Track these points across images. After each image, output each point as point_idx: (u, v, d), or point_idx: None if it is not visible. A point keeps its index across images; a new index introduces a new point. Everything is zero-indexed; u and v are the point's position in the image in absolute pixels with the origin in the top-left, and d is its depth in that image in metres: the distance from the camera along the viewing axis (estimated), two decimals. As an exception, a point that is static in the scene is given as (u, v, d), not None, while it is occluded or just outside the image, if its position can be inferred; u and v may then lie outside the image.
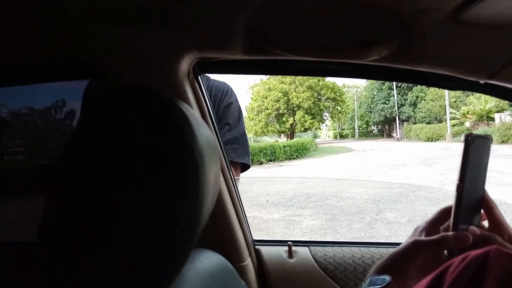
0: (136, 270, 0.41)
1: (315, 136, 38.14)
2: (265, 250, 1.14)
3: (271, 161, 16.92)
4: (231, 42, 0.80)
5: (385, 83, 30.47)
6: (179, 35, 0.81)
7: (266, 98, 27.72)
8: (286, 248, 1.14)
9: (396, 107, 31.15)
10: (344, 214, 5.96)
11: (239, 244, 1.05)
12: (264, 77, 29.04)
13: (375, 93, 33.47)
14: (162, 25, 0.81)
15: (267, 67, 0.94)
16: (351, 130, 42.36)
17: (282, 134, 29.99)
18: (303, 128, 28.00)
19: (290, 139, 25.83)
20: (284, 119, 27.56)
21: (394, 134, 31.03)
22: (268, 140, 27.73)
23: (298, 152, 18.43)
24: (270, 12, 0.74)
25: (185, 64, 0.86)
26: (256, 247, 1.14)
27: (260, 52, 0.84)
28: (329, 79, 27.90)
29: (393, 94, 31.41)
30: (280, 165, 15.84)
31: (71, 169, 0.43)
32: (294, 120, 27.41)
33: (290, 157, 17.82)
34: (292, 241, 1.14)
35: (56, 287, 0.42)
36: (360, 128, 40.11)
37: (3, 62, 0.89)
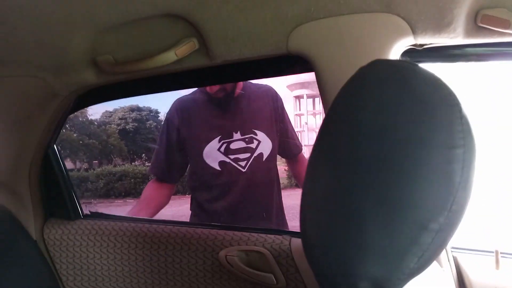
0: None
1: None
2: (463, 257, 1.04)
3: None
4: (452, 22, 0.76)
5: None
6: (395, 18, 0.80)
7: None
8: (490, 258, 1.02)
9: None
10: None
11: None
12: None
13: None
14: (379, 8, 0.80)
15: (485, 52, 0.86)
16: None
17: None
18: None
19: None
20: None
21: None
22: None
23: None
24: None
25: (395, 52, 0.84)
26: (454, 253, 1.05)
27: (483, 33, 0.77)
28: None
29: None
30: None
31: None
32: None
33: None
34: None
35: None
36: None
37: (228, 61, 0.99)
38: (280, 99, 1.65)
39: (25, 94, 1.07)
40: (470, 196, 0.42)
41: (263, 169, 1.56)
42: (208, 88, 1.50)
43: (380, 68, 0.48)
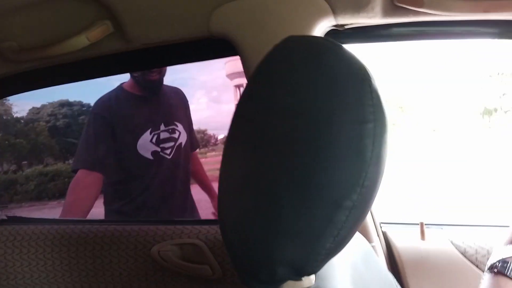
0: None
1: None
2: (392, 231, 1.09)
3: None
4: (370, 1, 0.76)
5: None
6: None
7: None
8: (415, 230, 1.07)
9: None
10: None
11: (366, 224, 1.01)
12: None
13: None
14: None
15: (407, 33, 0.88)
16: None
17: None
18: None
19: None
20: None
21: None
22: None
23: None
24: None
25: (317, 33, 0.84)
26: (383, 229, 1.09)
27: (400, 13, 0.79)
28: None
29: None
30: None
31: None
32: None
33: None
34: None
35: None
36: None
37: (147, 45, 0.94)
38: (187, 100, 1.85)
39: None
40: (382, 171, 0.41)
41: (183, 157, 1.70)
42: (129, 88, 1.62)
43: (293, 44, 0.46)
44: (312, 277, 0.46)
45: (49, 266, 1.11)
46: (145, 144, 1.59)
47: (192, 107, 1.85)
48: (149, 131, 1.60)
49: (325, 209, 0.38)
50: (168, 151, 1.64)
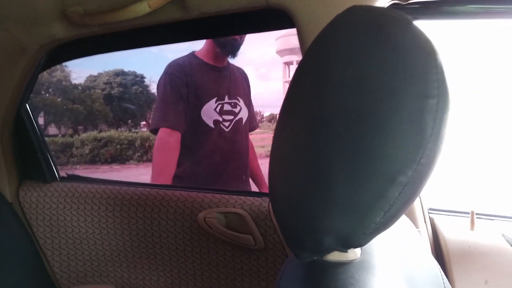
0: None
1: None
2: (439, 218, 1.06)
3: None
4: None
5: None
6: None
7: None
8: (465, 219, 1.03)
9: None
10: None
11: (413, 209, 0.99)
12: None
13: None
14: None
15: (473, 10, 0.83)
16: None
17: None
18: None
19: None
20: None
21: None
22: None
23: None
24: None
25: (379, 5, 0.81)
26: (430, 215, 1.06)
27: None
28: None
29: None
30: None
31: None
32: None
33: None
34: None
35: None
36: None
37: (205, 14, 0.95)
38: (249, 80, 1.89)
39: None
40: (441, 149, 0.40)
41: (241, 133, 1.75)
42: (201, 56, 1.69)
43: (357, 15, 0.45)
44: (358, 250, 0.46)
45: (103, 224, 1.19)
46: (209, 111, 1.65)
47: (239, 83, 1.94)
48: (214, 99, 1.66)
49: (378, 183, 0.38)
50: (227, 124, 1.69)
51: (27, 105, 1.20)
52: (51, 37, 1.00)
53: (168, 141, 1.61)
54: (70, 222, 1.21)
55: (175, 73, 1.65)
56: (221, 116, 1.68)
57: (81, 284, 1.24)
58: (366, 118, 0.38)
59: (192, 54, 1.72)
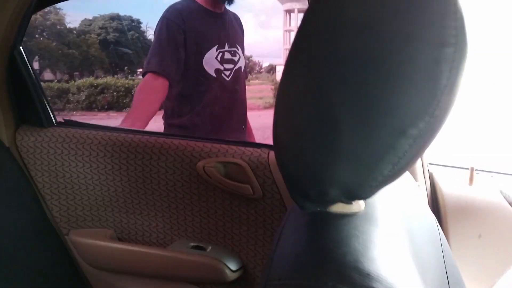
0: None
1: None
2: (439, 173, 1.06)
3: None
4: None
5: None
6: None
7: None
8: (464, 174, 1.04)
9: None
10: None
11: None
12: None
13: None
14: None
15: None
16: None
17: None
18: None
19: None
20: None
21: None
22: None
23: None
24: None
25: None
26: (430, 169, 1.07)
27: None
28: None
29: None
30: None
31: None
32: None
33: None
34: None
35: None
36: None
37: None
38: (243, 27, 1.83)
39: None
40: (454, 101, 0.38)
41: (240, 83, 1.72)
42: (204, 3, 1.62)
43: None
44: (362, 202, 0.46)
45: (102, 170, 1.19)
46: (211, 60, 1.60)
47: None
48: (215, 47, 1.61)
49: (388, 135, 0.37)
50: (227, 73, 1.66)
51: (21, 47, 1.16)
52: None
53: (151, 84, 1.57)
54: (68, 167, 1.21)
55: (172, 18, 1.58)
56: (222, 65, 1.64)
57: (81, 228, 1.26)
58: (378, 65, 0.36)
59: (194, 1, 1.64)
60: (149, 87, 1.58)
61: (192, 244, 1.15)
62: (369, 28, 0.37)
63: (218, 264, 1.08)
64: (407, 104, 0.36)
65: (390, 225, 0.47)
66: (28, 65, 1.19)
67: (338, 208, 0.44)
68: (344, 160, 0.38)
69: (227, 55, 1.66)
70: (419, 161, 1.01)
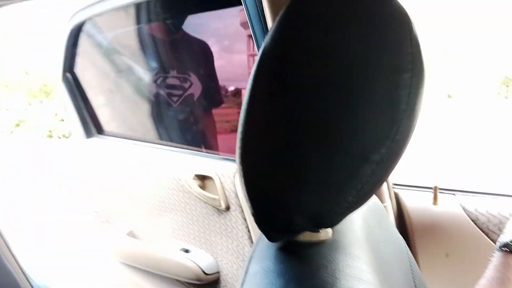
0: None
1: None
2: (404, 193, 1.07)
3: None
4: None
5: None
6: None
7: None
8: (428, 194, 1.05)
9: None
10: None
11: (380, 184, 1.00)
12: None
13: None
14: None
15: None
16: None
17: None
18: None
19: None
20: None
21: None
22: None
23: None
24: None
25: None
26: (395, 190, 1.08)
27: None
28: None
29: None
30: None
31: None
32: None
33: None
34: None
35: None
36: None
37: None
38: (212, 55, 1.83)
39: None
40: (415, 125, 0.38)
41: (192, 107, 1.75)
42: (153, 31, 1.66)
43: None
44: (329, 230, 0.45)
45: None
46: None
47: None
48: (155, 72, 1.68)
49: (350, 161, 0.36)
50: (175, 98, 1.69)
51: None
52: None
53: None
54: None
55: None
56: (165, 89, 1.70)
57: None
58: (337, 91, 0.36)
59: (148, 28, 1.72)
60: None
61: (181, 247, 1.31)
62: (327, 53, 0.37)
63: (195, 266, 1.22)
64: (368, 130, 0.36)
65: (358, 251, 0.46)
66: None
67: (306, 237, 0.43)
68: (309, 187, 0.37)
69: (173, 81, 1.71)
70: (384, 182, 1.02)
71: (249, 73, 0.48)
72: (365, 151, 0.36)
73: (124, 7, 1.44)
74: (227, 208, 1.12)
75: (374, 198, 0.75)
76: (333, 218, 0.40)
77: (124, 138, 1.52)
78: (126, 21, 1.54)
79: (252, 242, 1.22)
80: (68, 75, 1.57)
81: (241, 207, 1.09)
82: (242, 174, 0.42)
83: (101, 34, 1.55)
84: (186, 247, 1.30)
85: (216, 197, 1.13)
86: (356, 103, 0.36)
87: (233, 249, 1.17)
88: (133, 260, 1.42)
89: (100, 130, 1.58)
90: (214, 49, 1.85)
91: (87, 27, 1.56)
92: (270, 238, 0.43)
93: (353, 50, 0.36)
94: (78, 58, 1.58)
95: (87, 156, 1.57)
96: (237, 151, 0.44)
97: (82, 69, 1.59)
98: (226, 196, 1.11)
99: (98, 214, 1.62)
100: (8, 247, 1.20)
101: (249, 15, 0.91)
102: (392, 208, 1.05)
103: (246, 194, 0.42)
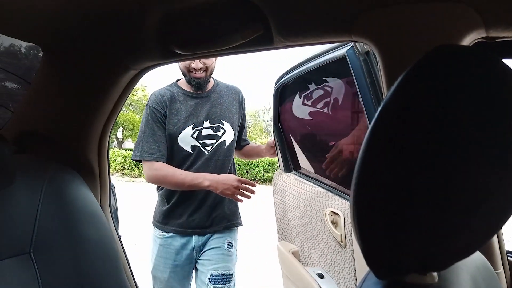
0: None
1: None
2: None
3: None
4: None
5: None
6: (466, 9, 0.75)
7: None
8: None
9: None
10: None
11: (493, 250, 0.94)
12: None
13: None
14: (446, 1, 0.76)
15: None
16: None
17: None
18: None
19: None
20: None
21: None
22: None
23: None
24: None
25: (465, 43, 0.81)
26: (509, 258, 1.01)
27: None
28: None
29: None
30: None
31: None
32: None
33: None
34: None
35: None
36: None
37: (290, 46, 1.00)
38: (244, 100, 2.05)
39: (100, 67, 1.14)
40: None
41: (223, 155, 1.88)
42: (182, 84, 1.89)
43: (446, 54, 0.44)
44: (435, 275, 0.47)
45: None
46: (186, 137, 1.81)
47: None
48: (191, 126, 1.81)
49: (463, 212, 0.39)
50: (208, 148, 1.84)
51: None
52: (153, 60, 1.11)
53: (155, 172, 1.77)
54: None
55: (154, 105, 1.81)
56: (198, 141, 1.82)
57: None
58: (454, 151, 0.39)
59: (175, 83, 1.90)
60: (158, 174, 1.78)
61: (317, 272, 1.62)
62: (446, 115, 0.39)
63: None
64: (480, 186, 0.39)
65: None
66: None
67: (413, 279, 0.46)
68: (420, 228, 0.41)
69: (207, 131, 1.83)
70: (497, 248, 0.96)
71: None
72: (476, 205, 0.39)
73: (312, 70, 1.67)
74: (345, 244, 1.33)
75: (486, 263, 0.73)
76: (441, 263, 0.42)
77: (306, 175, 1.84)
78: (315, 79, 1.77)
79: (356, 280, 1.23)
80: (277, 124, 2.02)
81: (352, 245, 1.26)
82: (356, 213, 0.46)
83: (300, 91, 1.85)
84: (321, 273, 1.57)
85: (339, 233, 1.37)
86: (472, 163, 0.39)
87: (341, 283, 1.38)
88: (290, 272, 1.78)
89: (297, 167, 1.96)
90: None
91: (286, 88, 1.97)
92: (378, 274, 0.47)
93: (469, 113, 0.39)
94: (282, 110, 2.03)
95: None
96: (352, 193, 0.48)
97: (285, 119, 2.01)
98: (345, 234, 1.31)
99: (279, 231, 2.08)
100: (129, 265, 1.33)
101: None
102: (505, 276, 0.98)
103: (357, 230, 0.46)
